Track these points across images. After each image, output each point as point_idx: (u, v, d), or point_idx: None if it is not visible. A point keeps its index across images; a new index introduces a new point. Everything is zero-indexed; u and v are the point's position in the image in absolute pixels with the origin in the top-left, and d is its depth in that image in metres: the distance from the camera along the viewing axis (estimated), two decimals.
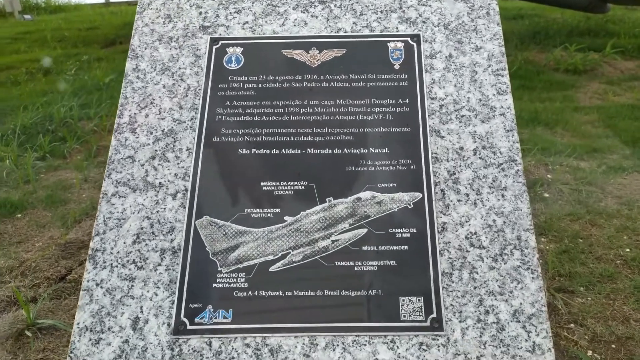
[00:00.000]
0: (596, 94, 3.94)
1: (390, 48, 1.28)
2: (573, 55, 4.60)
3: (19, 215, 2.63)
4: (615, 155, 2.83)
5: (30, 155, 3.17)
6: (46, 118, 3.87)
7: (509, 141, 1.16)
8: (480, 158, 1.15)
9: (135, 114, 1.24)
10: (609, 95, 3.83)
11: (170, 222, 1.12)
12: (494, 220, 1.08)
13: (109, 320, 1.04)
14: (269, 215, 1.11)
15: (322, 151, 1.16)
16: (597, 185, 2.49)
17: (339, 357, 0.98)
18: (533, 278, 1.02)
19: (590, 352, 1.50)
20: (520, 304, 1.00)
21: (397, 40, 1.29)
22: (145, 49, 1.31)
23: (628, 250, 1.99)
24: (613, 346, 1.52)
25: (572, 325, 1.63)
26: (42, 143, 3.39)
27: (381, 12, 1.33)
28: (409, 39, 1.29)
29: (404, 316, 1.01)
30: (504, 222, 1.08)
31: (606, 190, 2.45)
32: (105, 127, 3.69)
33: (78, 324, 1.05)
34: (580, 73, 4.44)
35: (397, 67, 1.26)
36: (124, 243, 1.10)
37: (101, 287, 1.07)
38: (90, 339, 1.02)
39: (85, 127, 3.74)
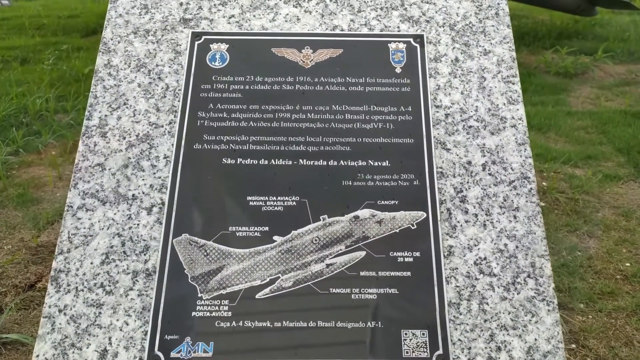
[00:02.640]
0: (588, 98, 3.89)
1: (391, 49, 1.17)
2: (564, 58, 4.55)
3: None
4: (610, 162, 2.77)
5: (2, 149, 2.99)
6: (20, 110, 3.69)
7: (521, 156, 1.06)
8: (489, 174, 1.04)
9: (106, 115, 1.10)
10: (601, 101, 3.79)
11: (145, 240, 0.99)
12: (506, 245, 0.98)
13: (73, 352, 0.92)
14: (256, 234, 0.99)
15: (316, 163, 1.05)
16: (594, 195, 2.42)
17: None
18: (549, 311, 0.92)
19: None
20: (535, 339, 0.91)
21: (399, 41, 1.18)
22: (119, 42, 1.17)
23: (628, 264, 1.92)
24: None
25: (573, 345, 1.55)
26: (15, 137, 3.21)
27: (381, 9, 1.22)
28: (411, 39, 1.18)
29: (407, 352, 0.90)
30: (516, 247, 0.98)
31: (603, 199, 2.38)
32: (82, 121, 3.52)
33: (37, 356, 0.92)
34: (572, 77, 4.39)
35: (398, 70, 1.15)
36: (91, 263, 0.98)
37: (65, 314, 0.94)
38: None
39: (61, 120, 3.57)
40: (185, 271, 0.96)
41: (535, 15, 6.52)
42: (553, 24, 6.01)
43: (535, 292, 0.94)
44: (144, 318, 0.93)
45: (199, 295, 0.95)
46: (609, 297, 1.76)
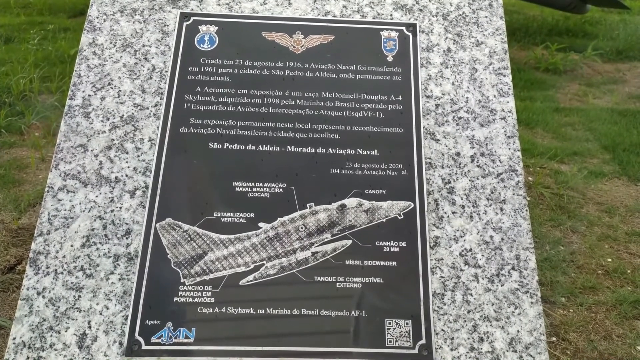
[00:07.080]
0: (576, 95, 3.92)
1: (383, 37, 1.15)
2: (554, 54, 4.57)
3: None
4: (596, 159, 2.79)
5: None
6: (3, 90, 3.60)
7: (509, 149, 1.06)
8: (478, 166, 1.04)
9: (89, 95, 1.07)
10: (589, 98, 3.81)
11: (127, 224, 0.97)
12: (491, 237, 0.98)
13: (51, 336, 0.90)
14: (241, 220, 0.98)
15: (304, 150, 1.04)
16: (578, 191, 2.44)
17: None
18: (532, 303, 0.93)
19: None
20: (518, 331, 0.91)
21: (391, 29, 1.16)
22: (105, 21, 1.14)
23: (610, 260, 1.94)
24: None
25: (554, 338, 1.57)
26: None
27: None
28: (404, 28, 1.17)
29: (390, 341, 0.90)
30: (502, 239, 0.98)
31: (587, 195, 2.41)
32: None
33: (14, 339, 0.90)
34: (561, 73, 4.41)
35: (390, 59, 1.13)
36: (71, 246, 0.96)
37: (43, 297, 0.92)
38: (29, 358, 0.88)
39: (45, 101, 3.49)
40: (168, 256, 0.95)
41: (526, 11, 6.53)
42: (544, 21, 6.03)
43: (519, 285, 0.94)
44: (125, 302, 0.92)
45: (182, 280, 0.93)
46: (590, 291, 1.78)
